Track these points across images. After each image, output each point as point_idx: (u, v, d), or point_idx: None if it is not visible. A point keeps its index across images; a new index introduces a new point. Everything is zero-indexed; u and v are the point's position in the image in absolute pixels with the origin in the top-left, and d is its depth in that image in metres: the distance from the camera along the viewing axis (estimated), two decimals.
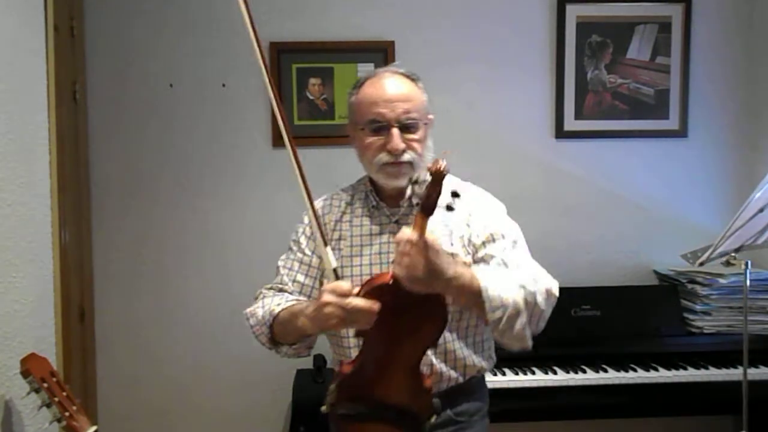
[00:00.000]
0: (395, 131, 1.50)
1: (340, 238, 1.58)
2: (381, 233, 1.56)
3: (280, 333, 1.51)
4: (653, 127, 2.86)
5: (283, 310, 1.48)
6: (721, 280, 2.56)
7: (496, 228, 1.53)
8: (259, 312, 1.54)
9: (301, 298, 1.57)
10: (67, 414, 1.55)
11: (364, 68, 2.77)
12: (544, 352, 2.52)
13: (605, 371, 2.43)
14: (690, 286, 2.63)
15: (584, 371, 2.42)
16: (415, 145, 1.52)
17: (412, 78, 1.57)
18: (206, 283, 2.77)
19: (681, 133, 2.86)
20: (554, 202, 2.84)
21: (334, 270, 1.39)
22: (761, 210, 1.99)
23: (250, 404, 2.78)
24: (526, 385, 2.37)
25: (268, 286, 1.64)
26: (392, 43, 2.76)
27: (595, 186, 2.86)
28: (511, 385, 2.37)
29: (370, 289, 1.31)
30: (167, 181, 2.74)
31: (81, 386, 2.51)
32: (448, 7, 2.78)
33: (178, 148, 2.75)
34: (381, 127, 1.51)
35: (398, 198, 1.57)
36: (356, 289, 1.32)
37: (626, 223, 2.87)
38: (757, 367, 2.42)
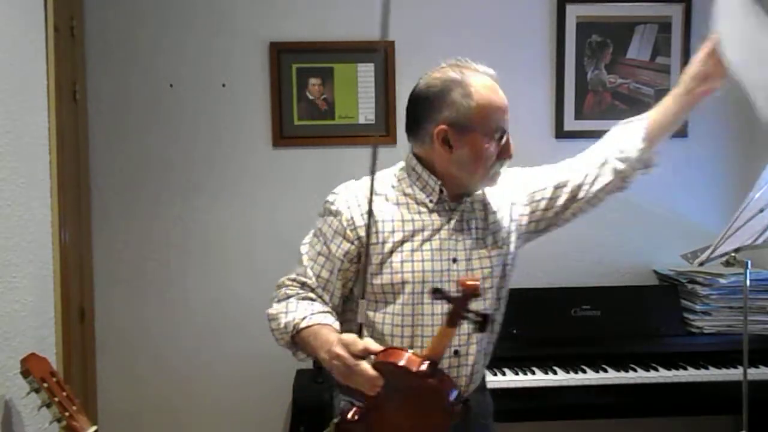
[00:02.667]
0: (510, 140, 1.52)
1: (393, 231, 1.49)
2: (441, 228, 1.50)
3: (300, 344, 1.47)
4: None
5: (306, 328, 1.42)
6: (721, 280, 2.56)
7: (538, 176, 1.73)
8: (282, 320, 1.47)
9: (325, 296, 1.52)
10: (67, 414, 1.55)
11: (364, 68, 2.77)
12: (544, 352, 2.52)
13: (605, 371, 2.43)
14: (690, 286, 2.63)
15: (584, 371, 2.42)
16: None
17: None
18: (206, 283, 2.77)
19: (681, 133, 2.86)
20: None
21: (360, 325, 1.34)
22: (761, 210, 1.99)
23: (250, 404, 2.78)
24: (526, 385, 2.37)
25: (291, 277, 1.54)
26: (392, 43, 2.76)
27: None
28: (511, 385, 2.37)
29: (384, 362, 1.25)
30: (167, 181, 2.74)
31: (81, 386, 2.51)
32: (448, 8, 2.78)
33: (178, 148, 2.75)
34: (503, 136, 1.51)
35: (458, 197, 1.53)
36: (376, 347, 1.27)
37: (626, 223, 2.86)
38: (757, 367, 2.42)
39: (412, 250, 1.48)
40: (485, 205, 1.58)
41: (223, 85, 2.75)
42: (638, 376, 2.41)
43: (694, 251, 2.29)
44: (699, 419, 2.80)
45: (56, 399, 1.55)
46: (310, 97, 2.77)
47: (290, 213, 2.76)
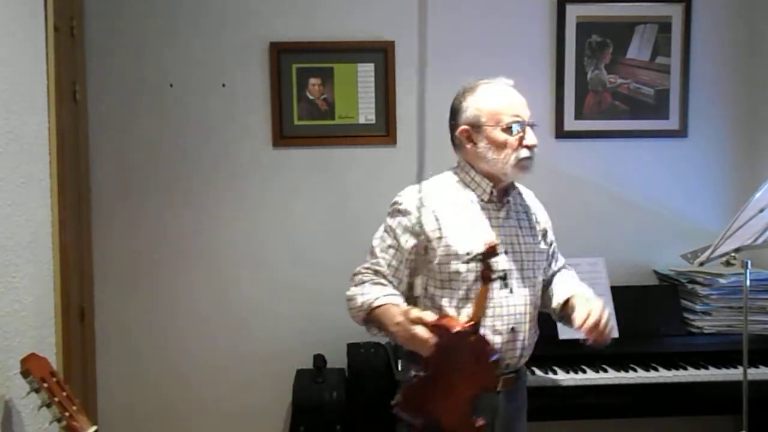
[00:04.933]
0: (531, 130, 1.78)
1: (454, 227, 1.75)
2: (492, 226, 1.79)
3: (374, 321, 1.71)
4: (653, 127, 2.86)
5: (380, 306, 1.68)
6: (721, 280, 2.56)
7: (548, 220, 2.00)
8: (359, 299, 1.73)
9: (394, 282, 1.77)
10: (67, 414, 1.55)
11: (364, 68, 2.77)
12: (543, 352, 2.52)
13: (605, 371, 2.43)
14: (690, 286, 2.63)
15: (584, 371, 2.42)
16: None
17: None
18: (206, 283, 2.77)
19: (681, 133, 2.86)
20: (554, 202, 2.81)
21: (416, 297, 1.69)
22: (761, 210, 1.99)
23: (250, 404, 2.78)
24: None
25: (366, 266, 1.79)
26: (392, 43, 2.76)
27: (595, 186, 2.86)
28: None
29: (436, 325, 1.50)
30: (167, 181, 2.75)
31: (81, 386, 2.51)
32: (448, 8, 2.78)
33: (179, 148, 2.75)
34: (520, 126, 1.75)
35: (503, 195, 1.83)
36: (430, 317, 1.54)
37: (626, 223, 2.87)
38: (757, 367, 2.42)
39: (473, 244, 1.72)
40: (526, 206, 1.91)
41: (223, 85, 2.75)
42: (638, 376, 2.41)
43: (694, 251, 2.29)
44: (699, 419, 2.80)
45: (56, 399, 1.55)
46: (310, 97, 2.77)
47: (290, 213, 2.77)
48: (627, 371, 2.43)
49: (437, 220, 1.75)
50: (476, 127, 1.78)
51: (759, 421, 2.27)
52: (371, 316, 1.70)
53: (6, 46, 1.74)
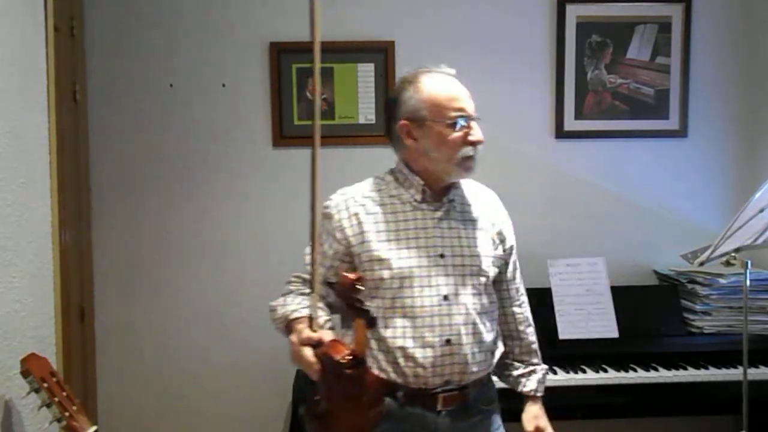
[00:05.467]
0: (476, 125, 1.61)
1: (379, 230, 1.62)
2: (426, 227, 1.62)
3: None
4: (653, 127, 2.86)
5: (295, 320, 1.56)
6: (721, 280, 2.56)
7: (512, 238, 1.78)
8: (279, 311, 1.62)
9: (323, 291, 1.64)
10: (67, 414, 1.55)
11: (364, 68, 2.77)
12: (544, 352, 2.51)
13: (605, 371, 2.43)
14: (690, 286, 2.63)
15: (584, 371, 2.42)
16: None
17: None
18: (206, 283, 2.77)
19: (681, 133, 2.86)
20: (554, 202, 2.84)
21: (310, 317, 1.48)
22: (761, 210, 1.99)
23: (250, 404, 2.78)
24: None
25: (296, 273, 1.69)
26: (392, 43, 2.76)
27: (595, 186, 2.86)
28: None
29: (321, 351, 1.41)
30: (167, 181, 2.74)
31: (81, 386, 2.51)
32: (448, 8, 2.78)
33: (178, 148, 2.75)
34: (464, 121, 1.59)
35: (441, 194, 1.66)
36: (319, 338, 1.44)
37: (626, 223, 2.87)
38: (757, 367, 2.42)
39: (399, 248, 1.60)
40: (469, 205, 1.70)
41: (223, 85, 2.75)
42: (638, 376, 2.41)
43: (694, 251, 2.29)
44: (699, 419, 2.80)
45: (56, 399, 1.55)
46: (310, 97, 2.77)
47: (290, 213, 2.76)
48: (627, 371, 2.43)
49: (360, 224, 1.62)
50: (417, 121, 1.60)
51: (759, 421, 2.28)
52: (290, 329, 1.56)
53: (6, 46, 1.74)
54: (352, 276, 1.42)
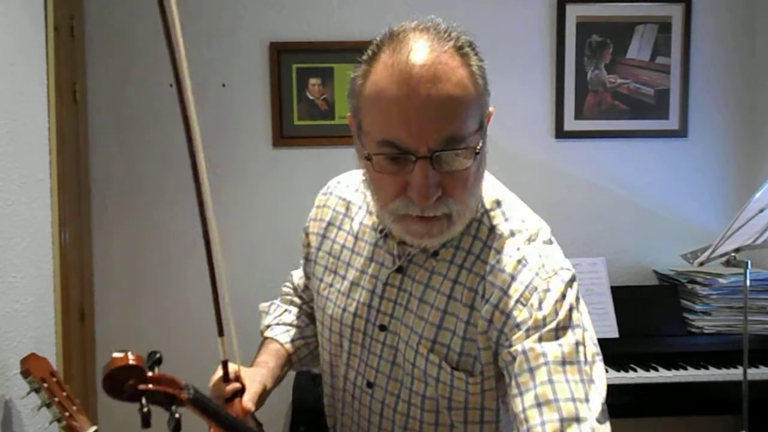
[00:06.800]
0: (422, 167, 0.92)
1: (330, 254, 1.22)
2: (378, 275, 1.12)
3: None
4: (653, 127, 2.86)
5: (266, 338, 1.42)
6: (721, 280, 2.56)
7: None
8: (263, 318, 1.48)
9: (305, 297, 1.41)
10: (67, 414, 1.55)
11: None
12: None
13: (605, 371, 2.42)
14: (690, 286, 2.63)
15: None
16: (459, 189, 0.96)
17: (462, 53, 1.03)
18: (206, 283, 2.76)
19: (681, 133, 2.86)
20: (554, 202, 2.84)
21: (223, 362, 1.24)
22: (761, 210, 1.99)
23: None
24: None
25: (288, 281, 1.49)
26: None
27: (595, 186, 2.86)
28: None
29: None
30: (167, 181, 2.74)
31: (81, 386, 2.52)
32: (448, 8, 2.78)
33: (178, 148, 2.74)
34: (401, 157, 0.94)
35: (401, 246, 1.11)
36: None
37: (626, 223, 2.87)
38: (757, 367, 2.42)
39: (339, 291, 1.17)
40: (449, 268, 1.06)
41: (223, 85, 2.75)
42: (638, 376, 2.41)
43: (694, 251, 2.29)
44: (699, 419, 2.80)
45: (56, 399, 1.55)
46: (310, 97, 2.77)
47: (290, 213, 2.76)
48: (627, 371, 2.43)
49: (323, 237, 1.24)
50: (358, 125, 1.02)
51: (759, 421, 2.28)
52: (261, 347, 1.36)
53: (6, 46, 1.74)
54: (118, 356, 0.98)
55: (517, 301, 0.98)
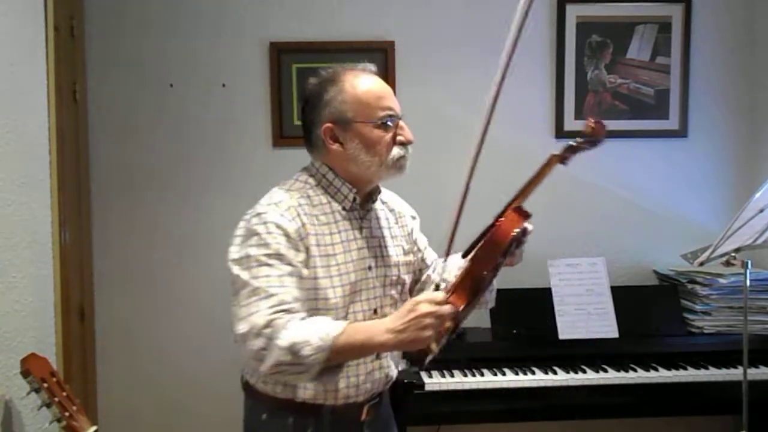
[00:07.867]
0: (404, 124, 1.54)
1: (318, 244, 1.49)
2: (356, 238, 1.55)
3: (340, 353, 1.34)
4: (653, 127, 2.86)
5: (341, 334, 1.32)
6: (721, 280, 2.56)
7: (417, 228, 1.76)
8: (312, 340, 1.30)
9: (303, 314, 1.41)
10: (67, 414, 1.55)
11: None
12: (544, 352, 2.52)
13: (605, 371, 2.43)
14: (690, 286, 2.63)
15: (584, 371, 2.42)
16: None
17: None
18: (206, 283, 2.77)
19: (681, 133, 2.86)
20: (554, 202, 2.83)
21: (437, 285, 1.40)
22: (761, 210, 1.99)
23: None
24: (526, 385, 2.37)
25: (268, 313, 1.34)
26: (392, 43, 2.76)
27: (595, 186, 2.85)
28: (512, 385, 2.37)
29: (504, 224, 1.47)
30: (167, 181, 2.74)
31: (81, 386, 2.52)
32: (448, 8, 2.78)
33: (178, 148, 2.75)
34: (393, 121, 1.51)
35: (366, 200, 1.59)
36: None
37: (626, 223, 2.87)
38: (757, 367, 2.42)
39: (337, 263, 1.50)
40: (389, 212, 1.67)
41: (223, 85, 2.75)
42: (638, 376, 2.41)
43: (694, 251, 2.30)
44: (699, 419, 2.80)
45: (56, 399, 1.55)
46: None
47: None
48: (627, 371, 2.43)
49: (308, 236, 1.49)
50: (342, 123, 1.49)
51: (759, 421, 2.27)
52: (335, 350, 1.31)
53: (6, 46, 1.74)
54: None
55: (412, 222, 1.73)
